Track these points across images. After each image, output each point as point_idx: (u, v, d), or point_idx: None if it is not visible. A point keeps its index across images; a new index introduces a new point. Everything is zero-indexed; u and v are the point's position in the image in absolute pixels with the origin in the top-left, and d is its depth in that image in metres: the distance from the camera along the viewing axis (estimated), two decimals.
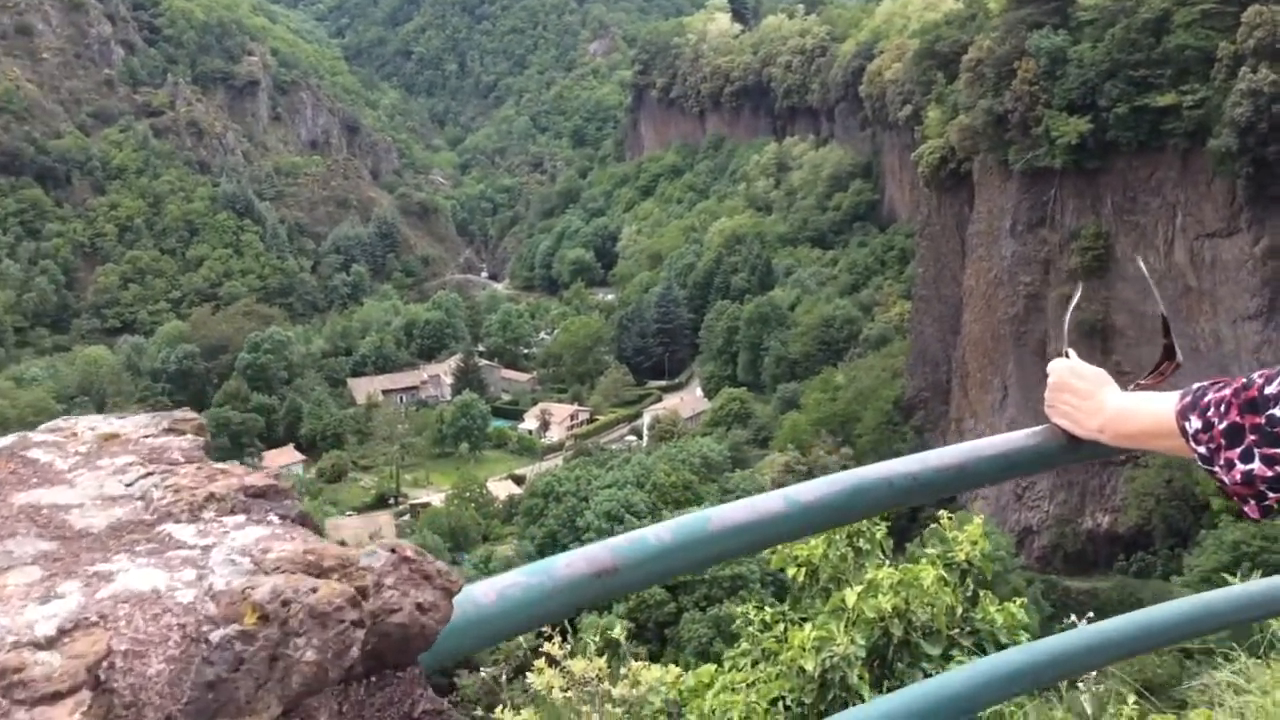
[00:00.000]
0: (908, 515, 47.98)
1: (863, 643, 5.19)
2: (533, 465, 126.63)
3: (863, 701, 5.03)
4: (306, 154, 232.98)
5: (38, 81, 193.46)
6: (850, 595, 5.25)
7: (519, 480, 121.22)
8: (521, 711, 5.92)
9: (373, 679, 1.38)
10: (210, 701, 1.17)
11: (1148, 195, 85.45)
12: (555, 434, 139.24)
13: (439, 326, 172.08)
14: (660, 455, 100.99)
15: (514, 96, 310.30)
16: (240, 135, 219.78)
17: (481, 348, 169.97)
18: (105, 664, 1.14)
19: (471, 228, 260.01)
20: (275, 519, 1.48)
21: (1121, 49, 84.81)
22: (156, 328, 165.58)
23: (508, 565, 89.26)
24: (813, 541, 5.88)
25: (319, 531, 1.39)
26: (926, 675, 5.38)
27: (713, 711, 5.47)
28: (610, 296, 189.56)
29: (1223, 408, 2.37)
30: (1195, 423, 2.42)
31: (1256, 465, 2.29)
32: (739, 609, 6.24)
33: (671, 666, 6.35)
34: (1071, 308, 3.37)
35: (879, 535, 6.13)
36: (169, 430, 1.79)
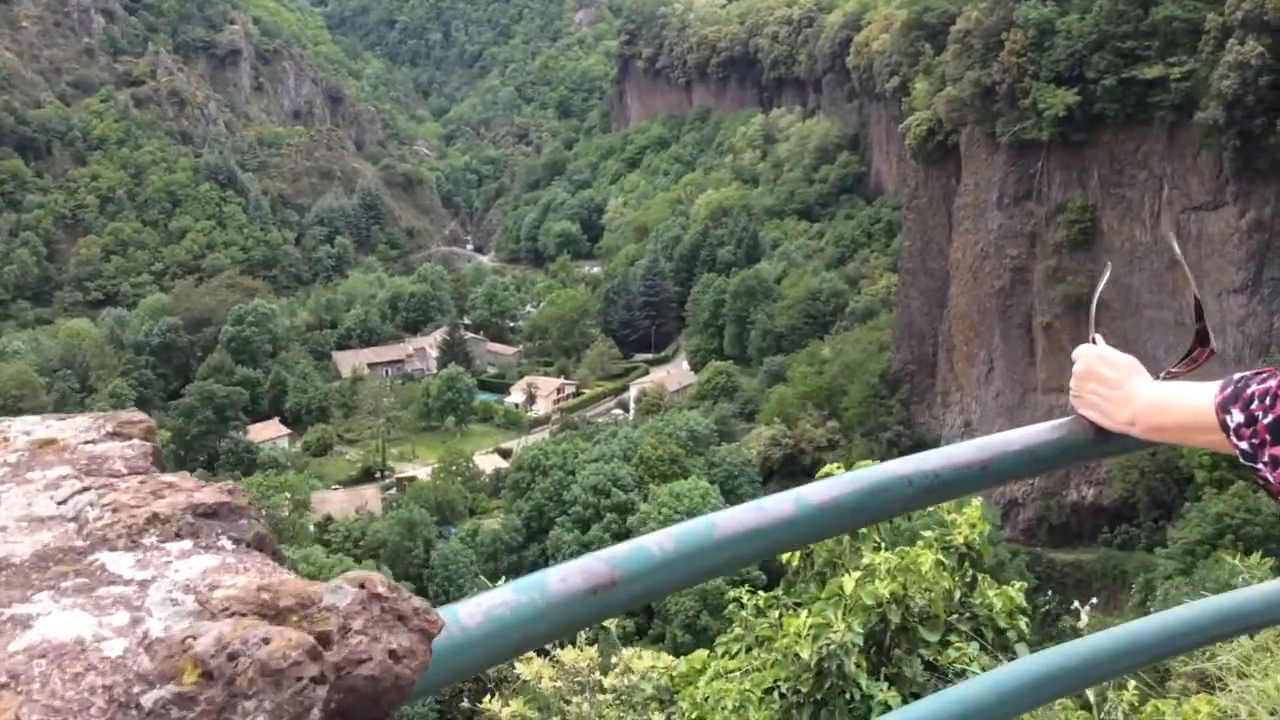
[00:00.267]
0: None
1: (860, 630, 5.07)
2: (519, 439, 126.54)
3: (860, 690, 4.91)
4: (289, 124, 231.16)
5: (17, 50, 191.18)
6: (849, 582, 5.12)
7: (505, 454, 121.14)
8: (511, 702, 5.78)
9: None
10: None
11: (1134, 168, 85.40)
12: (541, 407, 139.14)
13: (424, 299, 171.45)
14: (647, 429, 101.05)
15: (499, 66, 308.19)
16: (222, 105, 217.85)
17: (467, 321, 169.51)
18: None
19: (456, 199, 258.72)
20: (228, 544, 1.26)
21: (1109, 20, 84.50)
22: (139, 300, 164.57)
23: (494, 539, 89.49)
24: None
25: (279, 557, 1.20)
26: (924, 661, 5.27)
27: (706, 699, 5.36)
28: (596, 269, 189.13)
29: (1268, 400, 2.19)
30: (1237, 416, 2.24)
31: None
32: (731, 593, 6.11)
33: (662, 654, 6.21)
34: (1099, 289, 3.11)
35: None
36: (113, 434, 1.58)
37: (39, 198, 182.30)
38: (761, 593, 5.97)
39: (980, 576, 5.74)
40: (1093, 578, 79.87)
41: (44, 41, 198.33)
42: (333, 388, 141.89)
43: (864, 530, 5.88)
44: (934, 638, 5.29)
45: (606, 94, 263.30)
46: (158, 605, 1.14)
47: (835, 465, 5.79)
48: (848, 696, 4.93)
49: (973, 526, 5.87)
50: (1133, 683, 5.44)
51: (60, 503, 1.34)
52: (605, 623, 5.76)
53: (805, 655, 4.92)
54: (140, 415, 1.67)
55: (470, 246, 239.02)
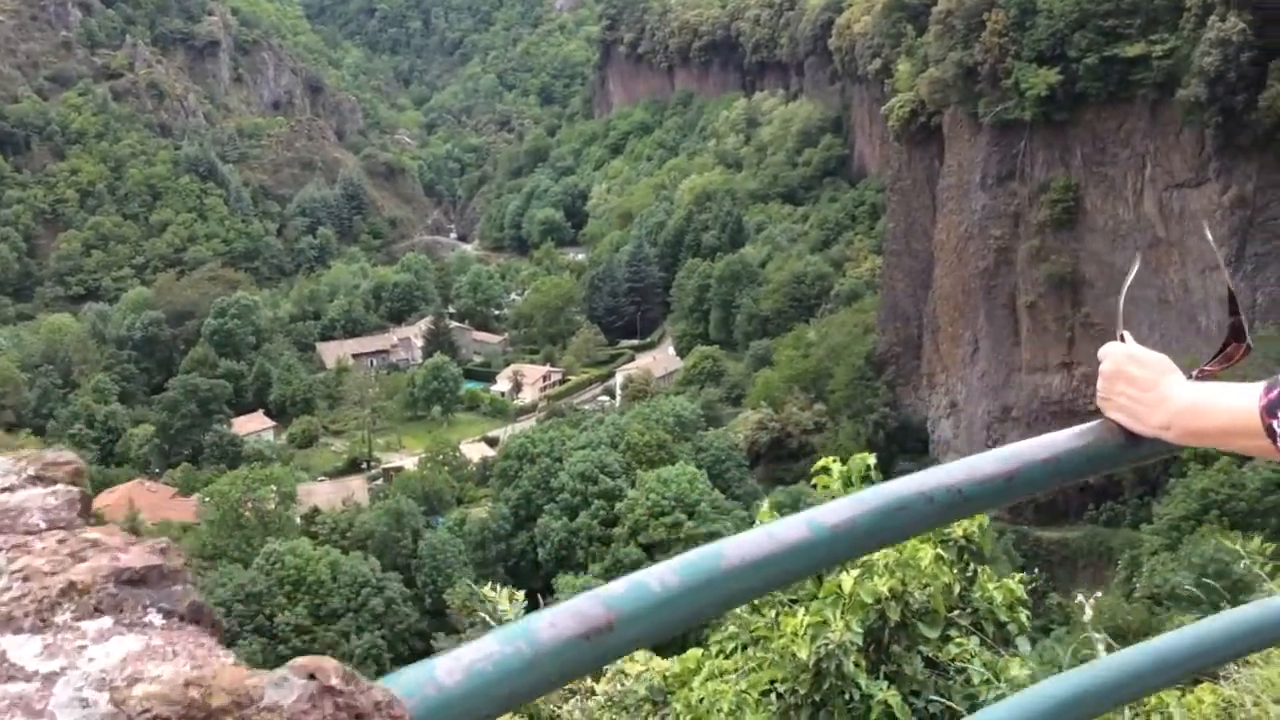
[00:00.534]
0: (881, 469, 48.06)
1: (859, 629, 4.92)
2: (506, 427, 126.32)
3: (859, 690, 4.78)
4: (269, 115, 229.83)
5: None
6: (847, 580, 4.98)
7: (492, 442, 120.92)
8: None
9: None
10: None
11: (1117, 146, 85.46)
12: (528, 395, 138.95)
13: (408, 289, 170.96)
14: (634, 415, 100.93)
15: (480, 54, 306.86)
16: (201, 97, 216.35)
17: (452, 310, 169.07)
18: None
19: (439, 188, 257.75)
20: (156, 619, 1.04)
21: None
22: (121, 294, 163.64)
23: (482, 528, 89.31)
24: None
25: (217, 630, 0.97)
26: (925, 658, 5.14)
27: (700, 701, 5.22)
28: (581, 256, 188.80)
29: None
30: None
31: None
32: None
33: (655, 658, 6.06)
34: (1127, 283, 2.86)
35: None
36: (36, 479, 1.33)
37: (18, 193, 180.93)
38: None
39: (980, 569, 5.61)
40: (1079, 555, 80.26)
41: (20, 35, 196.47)
42: (317, 379, 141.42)
43: None
44: (934, 634, 5.15)
45: (588, 80, 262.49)
46: (64, 709, 0.96)
47: (831, 460, 5.66)
48: (847, 697, 4.80)
49: (972, 518, 5.73)
50: None
51: None
52: None
53: (803, 655, 4.77)
54: (68, 456, 1.42)
55: (454, 235, 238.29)
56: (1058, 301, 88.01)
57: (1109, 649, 5.05)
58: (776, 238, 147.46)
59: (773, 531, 1.97)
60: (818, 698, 4.78)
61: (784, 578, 2.01)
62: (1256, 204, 76.45)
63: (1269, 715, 5.00)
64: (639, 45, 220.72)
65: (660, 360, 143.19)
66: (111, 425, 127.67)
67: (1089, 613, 4.94)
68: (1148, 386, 2.36)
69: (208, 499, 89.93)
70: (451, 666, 1.51)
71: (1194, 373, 2.40)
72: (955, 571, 5.41)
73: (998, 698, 4.45)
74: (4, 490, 1.28)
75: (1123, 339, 2.49)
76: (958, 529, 5.47)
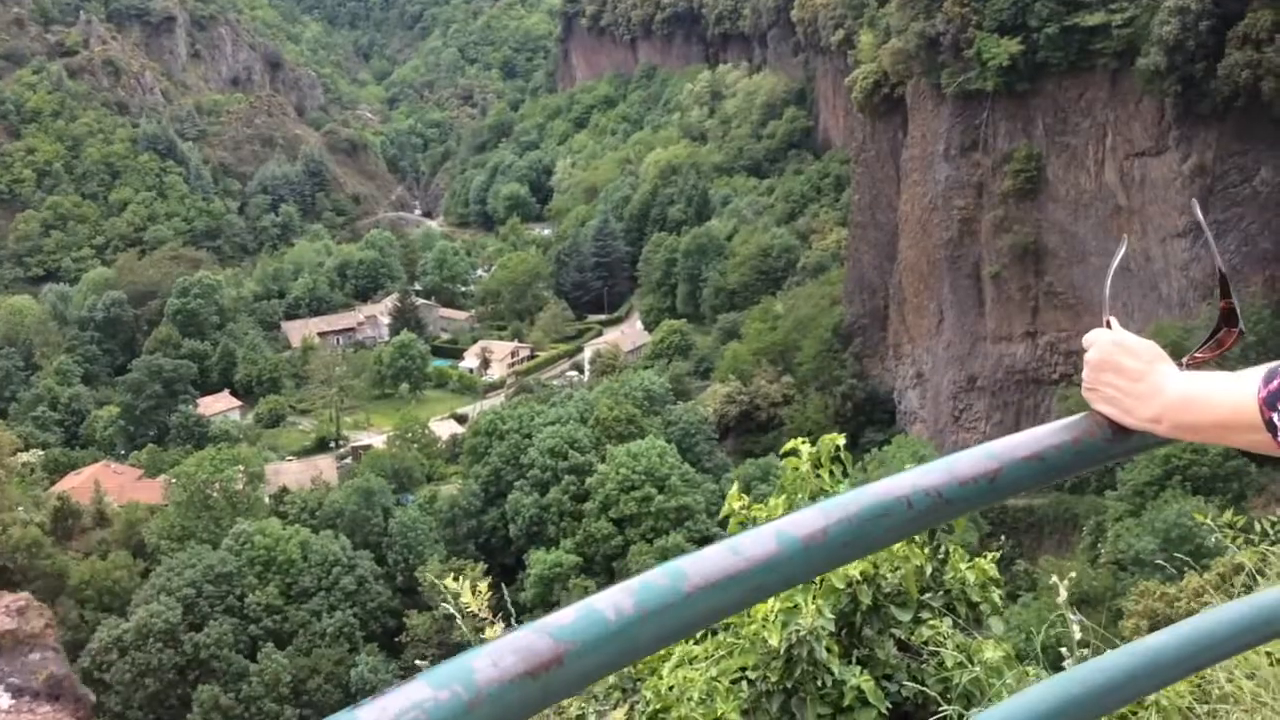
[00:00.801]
0: (849, 440, 48.24)
1: (830, 614, 4.86)
2: (475, 404, 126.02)
3: (832, 676, 4.72)
4: (228, 92, 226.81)
5: None
6: None
7: (461, 419, 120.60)
8: None
9: None
10: None
11: (1078, 116, 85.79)
12: (496, 371, 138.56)
13: (373, 266, 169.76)
14: (602, 390, 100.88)
15: (440, 27, 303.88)
16: (159, 74, 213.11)
17: (418, 287, 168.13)
18: None
19: (402, 164, 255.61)
20: (2, 698, 0.67)
21: None
22: (81, 275, 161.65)
23: (452, 505, 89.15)
24: (772, 501, 5.53)
25: (82, 706, 0.78)
26: (897, 641, 5.10)
27: (670, 689, 5.14)
28: (547, 231, 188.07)
29: None
30: None
31: None
32: None
33: None
34: (1113, 267, 2.70)
35: (843, 489, 5.77)
36: None
37: None
38: None
39: (952, 550, 5.56)
40: (1044, 522, 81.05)
41: None
42: (283, 358, 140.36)
43: None
44: (906, 617, 5.10)
45: (551, 53, 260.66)
46: None
47: (800, 441, 5.58)
48: (819, 683, 4.74)
49: None
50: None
51: None
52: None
53: (774, 642, 4.71)
54: None
55: (418, 211, 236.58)
56: (1021, 271, 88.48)
57: (1081, 626, 5.03)
58: (742, 211, 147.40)
59: (738, 547, 1.81)
60: (789, 685, 4.72)
61: (752, 597, 1.84)
62: (1216, 172, 77.02)
63: (1243, 689, 5.00)
64: (601, 18, 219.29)
65: (628, 335, 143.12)
66: (75, 407, 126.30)
67: (1063, 593, 4.89)
68: (1137, 377, 2.23)
69: (175, 480, 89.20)
70: (377, 718, 1.35)
71: (1184, 360, 2.28)
72: (927, 552, 5.36)
73: (971, 682, 4.41)
74: None
75: (1109, 325, 2.35)
76: None
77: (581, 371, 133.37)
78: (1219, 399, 2.10)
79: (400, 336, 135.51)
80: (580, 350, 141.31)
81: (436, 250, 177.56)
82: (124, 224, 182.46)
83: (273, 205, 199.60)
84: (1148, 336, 2.27)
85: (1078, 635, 4.67)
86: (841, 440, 5.67)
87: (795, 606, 4.79)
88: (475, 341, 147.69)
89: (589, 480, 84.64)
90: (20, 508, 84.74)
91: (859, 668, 4.87)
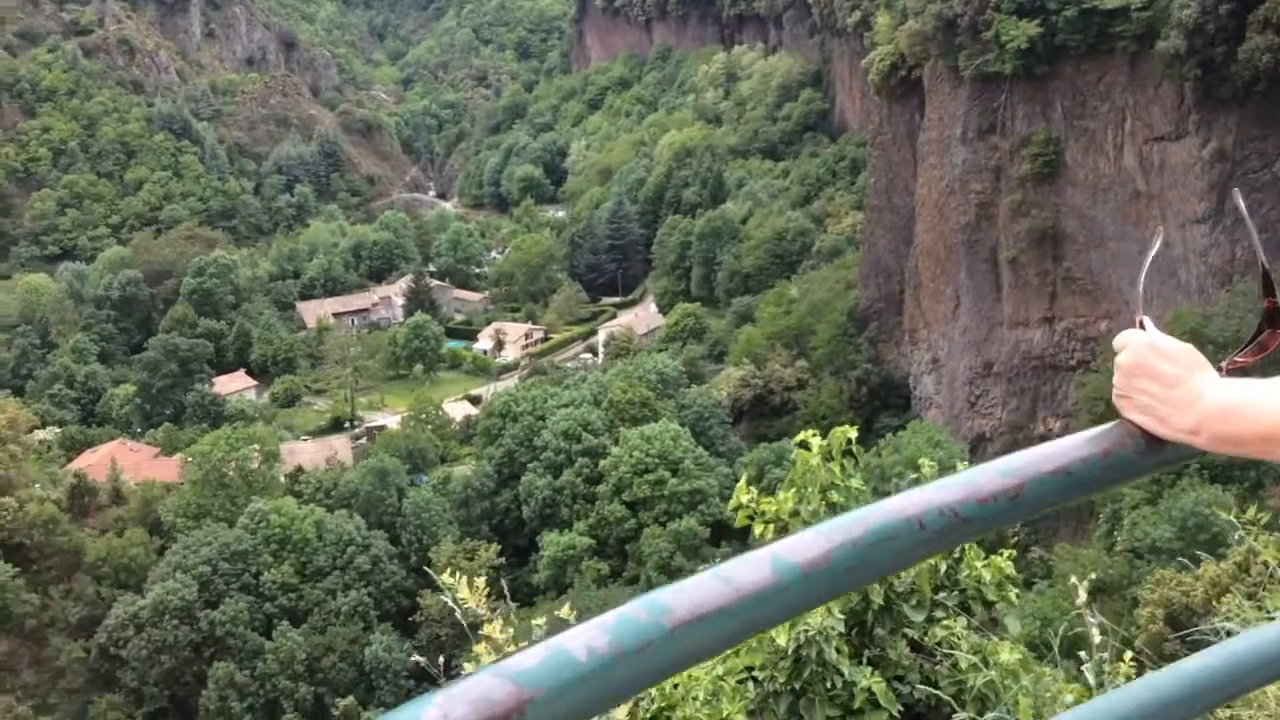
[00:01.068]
0: (863, 425, 47.96)
1: (840, 614, 4.73)
2: (488, 385, 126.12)
3: (842, 677, 4.60)
4: (243, 71, 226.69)
5: None
6: None
7: (475, 400, 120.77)
8: None
9: None
10: None
11: (1097, 100, 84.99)
12: (510, 353, 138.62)
13: (388, 247, 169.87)
14: (616, 372, 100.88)
15: (455, 7, 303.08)
16: (173, 53, 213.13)
17: (432, 268, 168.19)
18: None
19: (417, 145, 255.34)
20: None
21: None
22: (97, 254, 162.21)
23: (466, 486, 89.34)
24: (782, 494, 5.39)
25: None
26: (910, 641, 4.97)
27: (675, 688, 5.03)
28: (561, 213, 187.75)
29: None
30: None
31: None
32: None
33: None
34: (1147, 262, 2.53)
35: (854, 485, 5.64)
36: None
37: None
38: None
39: (967, 546, 5.42)
40: (1060, 509, 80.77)
41: None
42: (298, 338, 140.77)
43: (842, 500, 5.53)
44: (919, 616, 4.96)
45: (565, 34, 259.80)
46: None
47: (811, 434, 5.45)
48: (828, 684, 4.61)
49: None
50: (1129, 654, 5.15)
51: None
52: (563, 615, 5.37)
53: (782, 641, 4.58)
54: None
55: (433, 193, 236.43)
56: (1039, 256, 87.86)
57: (1100, 628, 4.90)
58: (757, 193, 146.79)
59: (729, 575, 1.61)
60: (797, 685, 4.60)
61: (744, 631, 1.62)
62: (1236, 157, 76.23)
63: (1266, 692, 4.85)
64: None
65: (642, 318, 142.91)
66: (92, 385, 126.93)
67: (1083, 595, 4.75)
68: (1173, 383, 2.04)
69: (191, 458, 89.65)
70: None
71: (1223, 364, 2.10)
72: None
73: (987, 685, 4.28)
74: None
75: (1142, 326, 2.17)
76: None
77: (595, 354, 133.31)
78: (1265, 409, 1.94)
79: (415, 318, 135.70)
80: (594, 333, 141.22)
81: (451, 232, 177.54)
82: (139, 203, 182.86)
83: (288, 185, 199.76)
84: (1166, 323, 2.10)
85: (1098, 638, 4.54)
86: (853, 433, 5.53)
87: None
88: (489, 323, 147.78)
89: (602, 463, 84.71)
90: (37, 485, 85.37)
91: (870, 669, 4.75)
